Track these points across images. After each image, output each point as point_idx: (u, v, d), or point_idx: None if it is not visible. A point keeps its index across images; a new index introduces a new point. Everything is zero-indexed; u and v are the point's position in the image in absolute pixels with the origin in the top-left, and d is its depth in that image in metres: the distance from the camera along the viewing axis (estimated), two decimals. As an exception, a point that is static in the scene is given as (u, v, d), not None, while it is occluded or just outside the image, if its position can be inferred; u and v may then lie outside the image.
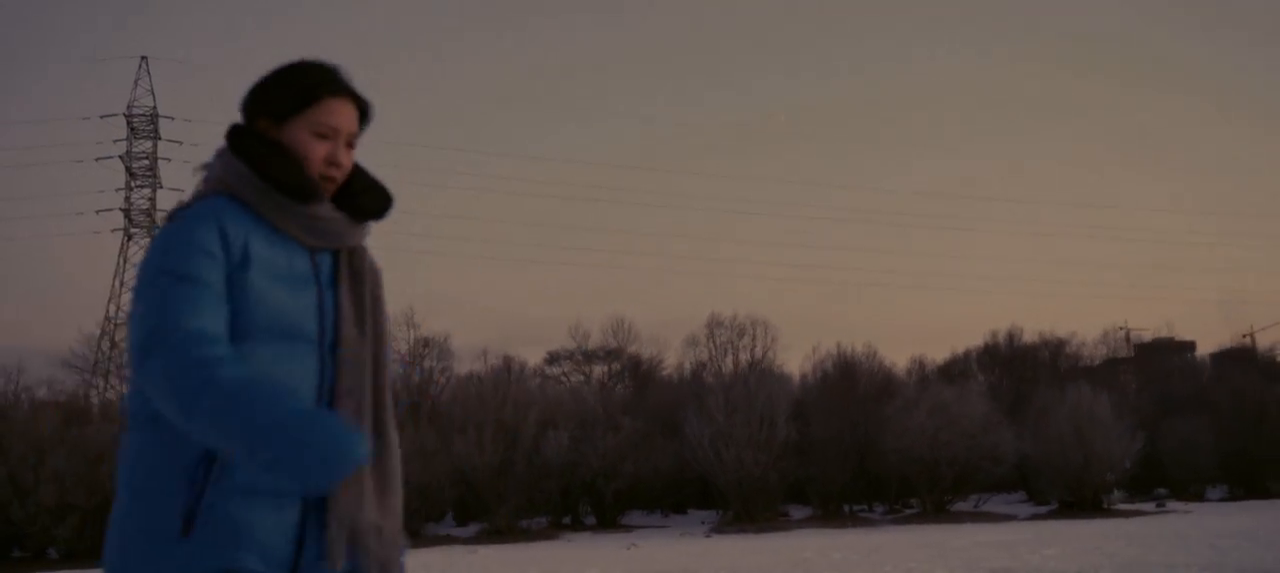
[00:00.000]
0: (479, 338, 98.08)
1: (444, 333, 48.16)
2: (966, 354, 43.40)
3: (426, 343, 49.07)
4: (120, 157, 59.29)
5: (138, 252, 58.59)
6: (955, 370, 41.99)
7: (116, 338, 54.32)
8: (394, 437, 1.82)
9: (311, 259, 1.75)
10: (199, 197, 1.74)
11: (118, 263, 58.05)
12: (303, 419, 1.50)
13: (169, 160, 60.69)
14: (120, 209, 59.21)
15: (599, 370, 51.91)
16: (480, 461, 36.35)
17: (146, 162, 60.13)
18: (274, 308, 1.65)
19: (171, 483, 1.58)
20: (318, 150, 1.76)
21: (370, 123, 1.88)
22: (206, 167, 1.78)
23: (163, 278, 1.60)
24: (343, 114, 1.79)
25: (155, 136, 60.31)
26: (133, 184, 59.77)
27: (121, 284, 57.81)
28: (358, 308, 1.75)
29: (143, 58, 60.79)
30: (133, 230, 59.12)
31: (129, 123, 59.83)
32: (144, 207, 59.62)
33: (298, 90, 1.76)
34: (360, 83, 1.85)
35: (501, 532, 36.22)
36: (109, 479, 31.61)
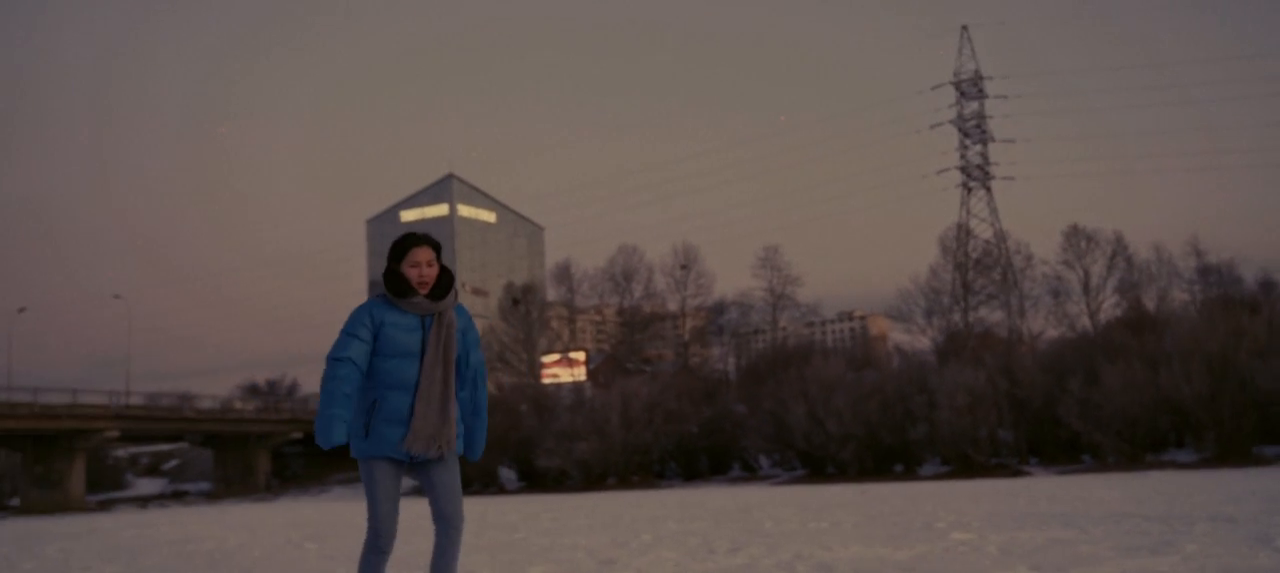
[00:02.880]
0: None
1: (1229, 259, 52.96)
2: None
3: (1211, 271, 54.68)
4: (951, 121, 74.77)
5: (977, 203, 73.46)
6: None
7: (967, 280, 69.85)
8: (452, 392, 4.57)
9: (421, 320, 4.57)
10: (374, 298, 4.61)
11: (960, 213, 73.46)
12: (327, 408, 4.33)
13: (992, 117, 74.52)
14: (958, 167, 74.65)
15: None
16: (1188, 390, 42.96)
17: (975, 121, 74.61)
18: (398, 343, 4.47)
19: (362, 415, 4.48)
20: (411, 273, 4.58)
21: (440, 247, 4.70)
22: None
23: (343, 332, 4.47)
24: (420, 253, 4.61)
25: (981, 96, 74.46)
26: (965, 143, 74.77)
27: (967, 232, 72.86)
28: (436, 341, 4.55)
29: (963, 27, 75.28)
30: (970, 183, 74.07)
31: (957, 88, 74.95)
32: (977, 161, 74.16)
33: (397, 251, 4.62)
34: None
35: (1218, 458, 42.25)
36: (876, 413, 47.00)
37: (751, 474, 54.02)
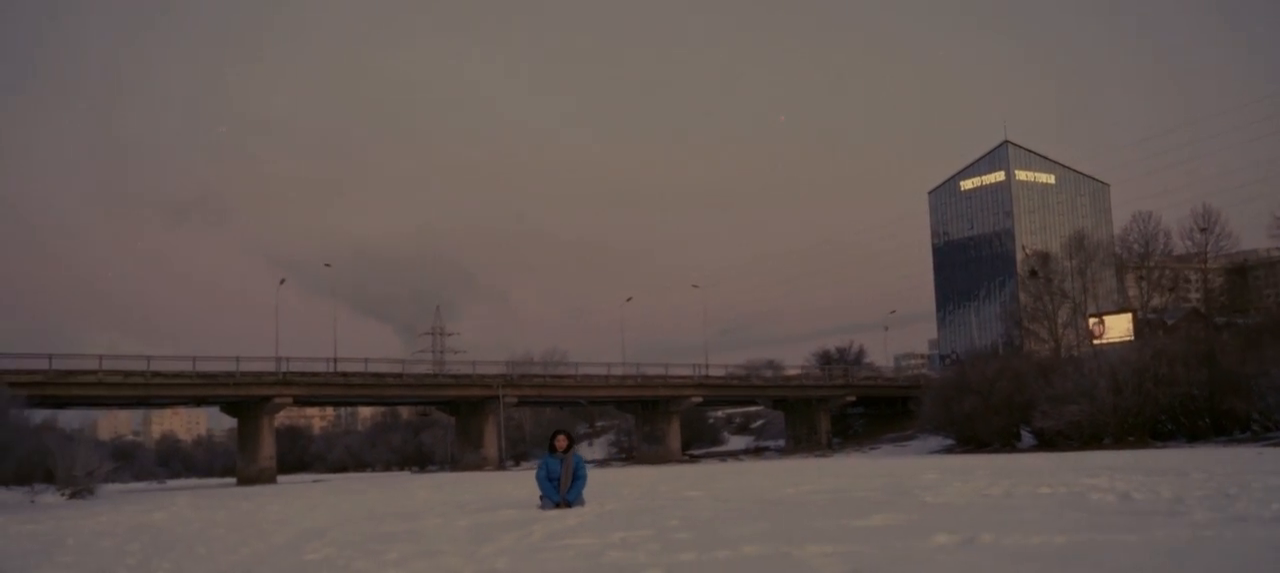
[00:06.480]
0: None
1: None
2: None
3: None
4: None
5: None
6: None
7: None
8: (570, 482, 14.25)
9: (561, 459, 14.16)
10: (545, 455, 14.83)
11: None
12: (544, 484, 14.29)
13: None
14: None
15: None
16: None
17: None
18: (554, 469, 14.03)
19: (544, 480, 14.41)
20: (555, 444, 14.34)
21: (571, 434, 15.16)
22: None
23: (539, 469, 14.40)
24: (558, 440, 14.43)
25: None
26: None
27: None
28: (565, 467, 14.04)
29: None
30: None
31: None
32: None
33: (552, 436, 14.57)
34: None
35: None
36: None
37: (1254, 436, 56.40)
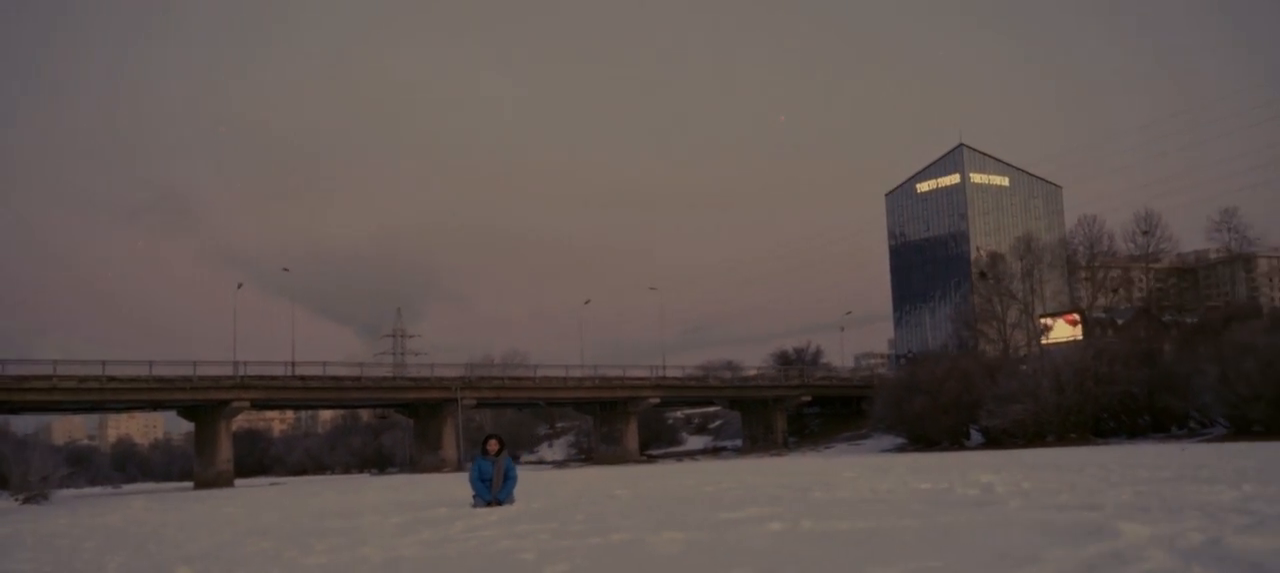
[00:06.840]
0: None
1: None
2: None
3: None
4: None
5: None
6: None
7: None
8: (500, 482, 15.44)
9: (493, 460, 15.33)
10: (477, 457, 16.04)
11: None
12: (477, 485, 15.44)
13: None
14: None
15: None
16: None
17: None
18: (486, 470, 15.16)
19: (481, 487, 15.47)
20: (487, 447, 15.54)
21: (502, 439, 16.20)
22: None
23: (473, 470, 15.55)
24: (490, 443, 15.67)
25: None
26: None
27: None
28: (496, 468, 15.16)
29: None
30: None
31: None
32: None
33: (484, 441, 15.97)
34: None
35: None
36: (1265, 373, 50.27)
37: (1190, 432, 58.56)
